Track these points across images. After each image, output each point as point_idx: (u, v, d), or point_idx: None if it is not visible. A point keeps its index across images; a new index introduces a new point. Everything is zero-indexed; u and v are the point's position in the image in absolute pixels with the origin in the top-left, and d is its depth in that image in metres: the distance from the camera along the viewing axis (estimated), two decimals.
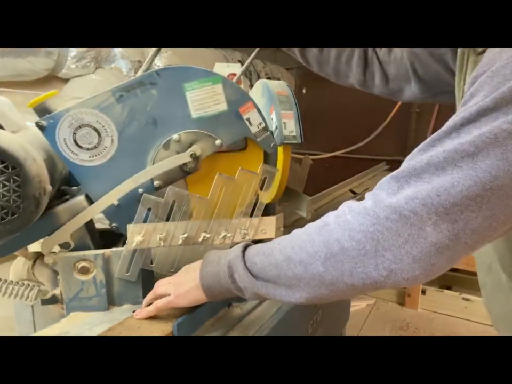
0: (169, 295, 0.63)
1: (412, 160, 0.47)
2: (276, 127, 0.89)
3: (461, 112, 0.46)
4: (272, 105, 0.91)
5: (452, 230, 0.43)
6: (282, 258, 0.53)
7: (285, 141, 0.89)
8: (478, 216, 0.42)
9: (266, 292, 0.55)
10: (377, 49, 0.86)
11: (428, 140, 0.47)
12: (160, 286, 0.66)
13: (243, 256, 0.57)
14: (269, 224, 0.76)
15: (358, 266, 0.47)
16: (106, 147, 0.69)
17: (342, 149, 2.63)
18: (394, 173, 0.48)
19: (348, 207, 0.49)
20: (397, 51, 0.83)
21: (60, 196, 0.77)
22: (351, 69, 0.86)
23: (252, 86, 2.82)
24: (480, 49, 0.64)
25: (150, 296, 0.67)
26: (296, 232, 0.55)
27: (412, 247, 0.44)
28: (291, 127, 0.90)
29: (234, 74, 1.76)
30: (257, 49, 1.10)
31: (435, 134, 0.47)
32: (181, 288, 0.63)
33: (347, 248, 0.47)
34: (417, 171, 0.45)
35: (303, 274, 0.51)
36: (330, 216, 0.51)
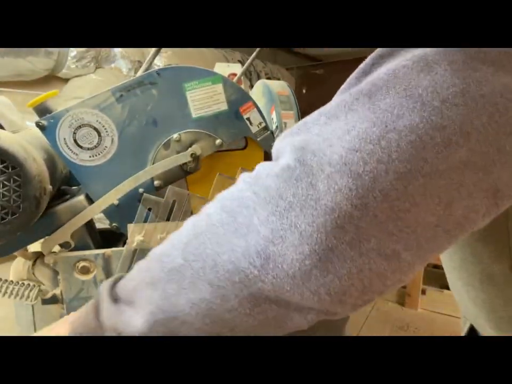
0: None
1: (305, 118, 0.36)
2: (277, 127, 0.90)
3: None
4: (272, 105, 0.91)
5: (354, 188, 0.28)
6: (144, 262, 0.39)
7: None
8: (389, 171, 0.28)
9: (119, 319, 0.41)
10: None
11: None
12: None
13: (110, 288, 0.43)
14: None
15: (223, 251, 0.31)
16: (106, 147, 0.69)
17: None
18: (282, 133, 0.38)
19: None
20: None
21: (60, 195, 0.77)
22: None
23: (252, 86, 2.83)
24: None
25: None
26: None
27: (299, 215, 0.29)
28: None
29: (235, 74, 1.77)
30: (257, 49, 1.10)
31: None
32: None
33: (214, 224, 0.33)
34: (307, 125, 0.35)
35: (159, 275, 0.35)
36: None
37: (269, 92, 0.94)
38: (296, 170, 0.30)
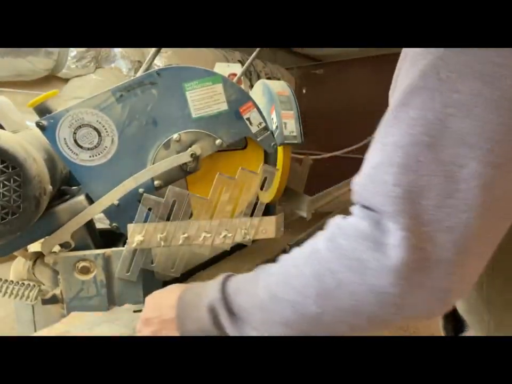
0: None
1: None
2: (277, 127, 0.89)
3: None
4: (272, 105, 0.91)
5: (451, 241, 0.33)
6: (268, 298, 0.43)
7: (286, 141, 0.89)
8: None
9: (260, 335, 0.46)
10: None
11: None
12: (139, 332, 0.58)
13: (224, 296, 0.47)
14: (269, 224, 0.76)
15: (359, 304, 0.37)
16: (106, 147, 0.69)
17: (342, 149, 2.63)
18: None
19: (338, 227, 0.39)
20: None
21: (60, 195, 0.77)
22: None
23: (252, 86, 2.83)
24: None
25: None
26: (283, 260, 0.44)
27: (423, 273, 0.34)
28: (291, 127, 0.90)
29: (235, 75, 1.76)
30: (257, 49, 1.10)
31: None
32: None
33: (342, 280, 0.37)
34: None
35: (292, 317, 0.42)
36: (320, 240, 0.40)
37: (269, 92, 0.94)
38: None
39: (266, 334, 0.46)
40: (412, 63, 0.42)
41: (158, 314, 0.56)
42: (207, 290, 0.50)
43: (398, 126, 0.36)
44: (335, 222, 0.40)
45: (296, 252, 0.43)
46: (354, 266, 0.36)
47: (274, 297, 0.42)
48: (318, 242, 0.41)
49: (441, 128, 0.34)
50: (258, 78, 3.00)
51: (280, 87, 0.96)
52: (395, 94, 0.41)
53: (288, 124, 0.90)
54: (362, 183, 0.38)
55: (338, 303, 0.38)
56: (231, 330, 0.48)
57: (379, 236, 0.35)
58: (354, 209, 0.39)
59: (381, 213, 0.35)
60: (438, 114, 0.34)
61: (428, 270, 0.34)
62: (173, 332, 0.54)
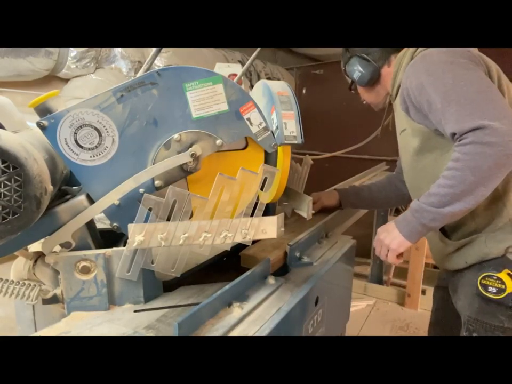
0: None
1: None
2: (277, 127, 0.89)
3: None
4: (273, 105, 0.91)
5: None
6: (445, 184, 0.82)
7: (286, 141, 0.89)
8: None
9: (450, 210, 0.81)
10: (399, 177, 1.26)
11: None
12: (379, 234, 0.98)
13: (420, 201, 0.87)
14: (270, 223, 0.76)
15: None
16: (107, 147, 0.69)
17: (342, 149, 2.63)
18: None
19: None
20: None
21: (61, 195, 0.77)
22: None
23: (252, 86, 2.82)
24: (393, 96, 1.06)
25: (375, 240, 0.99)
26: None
27: None
28: (292, 127, 0.90)
29: (235, 75, 1.76)
30: (258, 49, 1.10)
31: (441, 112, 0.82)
32: (395, 243, 0.93)
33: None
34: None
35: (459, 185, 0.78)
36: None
37: (269, 92, 0.94)
38: None
39: (453, 205, 0.81)
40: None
41: (385, 232, 0.96)
42: (410, 207, 0.90)
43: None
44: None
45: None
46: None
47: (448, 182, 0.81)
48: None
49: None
50: (258, 78, 2.99)
51: (280, 87, 0.96)
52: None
53: (289, 124, 0.90)
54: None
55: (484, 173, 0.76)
56: (433, 217, 0.85)
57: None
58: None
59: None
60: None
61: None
62: (395, 234, 0.93)
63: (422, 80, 0.86)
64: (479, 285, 0.91)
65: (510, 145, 0.73)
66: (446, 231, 1.04)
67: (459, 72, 0.82)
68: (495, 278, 0.89)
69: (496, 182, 0.78)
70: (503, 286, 0.88)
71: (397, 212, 3.52)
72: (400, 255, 0.97)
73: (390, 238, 0.94)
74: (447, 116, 0.81)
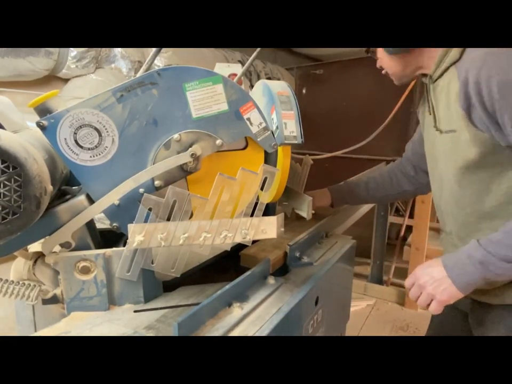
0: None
1: None
2: (277, 127, 0.89)
3: None
4: (273, 105, 0.91)
5: None
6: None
7: (286, 141, 0.89)
8: None
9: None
10: (404, 170, 1.19)
11: None
12: (420, 278, 0.81)
13: (488, 251, 0.72)
14: (270, 224, 0.76)
15: None
16: (107, 147, 0.69)
17: (342, 149, 2.63)
18: None
19: None
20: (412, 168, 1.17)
21: (61, 195, 0.77)
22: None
23: (252, 86, 2.82)
24: (434, 78, 0.84)
25: (410, 281, 0.83)
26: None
27: None
28: (292, 127, 0.90)
29: (235, 75, 1.76)
30: (258, 49, 1.10)
31: None
32: (445, 294, 0.77)
33: None
34: None
35: None
36: None
37: (269, 92, 0.94)
38: None
39: None
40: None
41: (429, 277, 0.79)
42: (468, 252, 0.75)
43: None
44: None
45: None
46: None
47: None
48: None
49: None
50: (258, 78, 2.99)
51: (280, 87, 0.96)
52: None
53: (289, 124, 0.90)
54: None
55: None
56: (501, 272, 0.71)
57: None
58: None
59: None
60: None
61: None
62: (447, 284, 0.76)
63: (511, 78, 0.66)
64: None
65: None
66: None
67: None
68: None
69: None
70: None
71: (397, 212, 3.52)
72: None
73: (438, 287, 0.77)
74: None
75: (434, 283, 0.77)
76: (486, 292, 0.85)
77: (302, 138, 0.91)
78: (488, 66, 0.68)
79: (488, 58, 0.69)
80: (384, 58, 0.90)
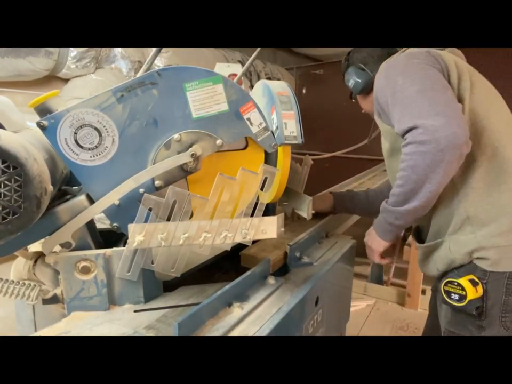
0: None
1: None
2: (277, 127, 0.89)
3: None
4: (273, 105, 0.91)
5: None
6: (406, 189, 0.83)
7: (286, 141, 0.89)
8: None
9: (407, 208, 0.84)
10: None
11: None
12: (367, 241, 1.03)
13: (385, 201, 0.92)
14: (270, 224, 0.76)
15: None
16: (107, 147, 0.69)
17: (342, 149, 2.63)
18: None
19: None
20: None
21: (61, 195, 0.77)
22: None
23: (252, 86, 2.82)
24: None
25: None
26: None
27: None
28: (292, 127, 0.90)
29: (235, 75, 1.76)
30: (258, 49, 1.10)
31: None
32: (374, 243, 1.00)
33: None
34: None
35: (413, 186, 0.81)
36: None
37: (269, 92, 0.94)
38: None
39: (409, 204, 0.84)
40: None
41: (368, 237, 1.03)
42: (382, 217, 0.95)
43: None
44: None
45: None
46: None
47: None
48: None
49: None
50: (258, 78, 3.00)
51: (280, 87, 0.96)
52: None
53: (289, 124, 0.90)
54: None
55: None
56: (396, 218, 0.89)
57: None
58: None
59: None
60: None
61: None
62: (374, 236, 1.00)
63: (382, 83, 0.90)
64: (442, 291, 0.89)
65: (442, 141, 0.74)
66: (417, 233, 1.05)
67: (408, 73, 0.84)
68: (455, 284, 0.86)
69: (442, 176, 0.78)
70: (464, 293, 0.84)
71: None
72: (387, 256, 1.03)
73: (371, 240, 1.01)
74: (394, 116, 0.84)
75: (369, 238, 1.02)
76: (425, 264, 1.00)
77: (302, 138, 0.91)
78: (376, 80, 0.94)
79: (377, 75, 0.94)
80: (360, 100, 1.16)
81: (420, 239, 1.05)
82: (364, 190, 1.37)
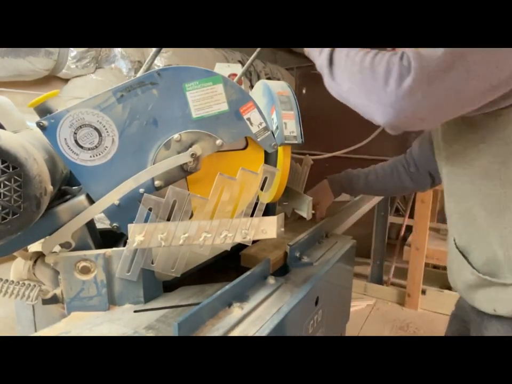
0: None
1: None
2: (277, 127, 0.89)
3: None
4: (273, 105, 0.91)
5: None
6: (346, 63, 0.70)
7: (286, 141, 0.89)
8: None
9: (327, 66, 0.73)
10: (406, 166, 1.19)
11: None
12: None
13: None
14: (270, 224, 0.76)
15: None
16: (107, 147, 0.69)
17: (342, 149, 2.63)
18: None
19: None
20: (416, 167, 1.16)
21: (61, 195, 0.77)
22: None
23: (252, 86, 2.82)
24: None
25: None
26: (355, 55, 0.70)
27: None
28: (292, 127, 0.90)
29: (235, 75, 1.76)
30: (258, 49, 1.10)
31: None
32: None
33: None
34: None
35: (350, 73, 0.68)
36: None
37: (269, 92, 0.94)
38: None
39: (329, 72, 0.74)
40: None
41: None
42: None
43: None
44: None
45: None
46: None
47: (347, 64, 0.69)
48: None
49: None
50: (258, 78, 3.00)
51: (280, 87, 0.96)
52: None
53: (289, 124, 0.89)
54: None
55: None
56: (321, 62, 0.75)
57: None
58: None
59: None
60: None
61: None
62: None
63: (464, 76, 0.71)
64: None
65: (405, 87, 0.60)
66: (468, 252, 0.83)
67: None
68: None
69: (356, 98, 0.68)
70: None
71: (397, 212, 3.52)
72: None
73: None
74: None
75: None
76: (476, 296, 0.81)
77: (302, 138, 0.91)
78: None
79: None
80: None
81: (468, 257, 0.82)
82: (365, 171, 1.27)
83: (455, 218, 0.86)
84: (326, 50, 0.74)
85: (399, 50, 0.65)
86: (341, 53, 0.72)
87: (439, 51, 0.60)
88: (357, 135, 2.45)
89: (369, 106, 0.66)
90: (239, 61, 2.83)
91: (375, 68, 0.64)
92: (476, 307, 0.82)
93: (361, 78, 0.66)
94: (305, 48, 0.82)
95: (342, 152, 2.61)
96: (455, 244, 0.87)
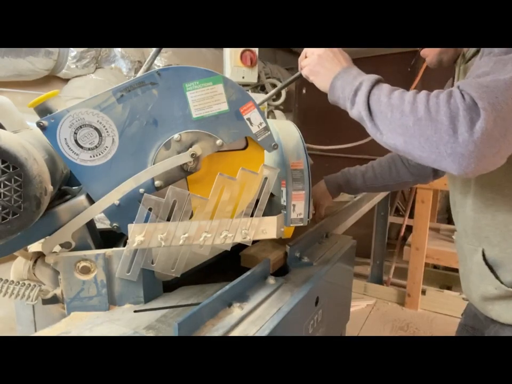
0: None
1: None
2: (284, 207, 0.89)
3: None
4: (284, 180, 0.89)
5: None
6: (389, 111, 0.64)
7: (291, 224, 0.89)
8: None
9: (367, 118, 0.68)
10: (404, 159, 1.17)
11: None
12: (309, 55, 0.81)
13: (373, 86, 0.68)
14: (270, 224, 0.76)
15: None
16: (107, 147, 0.69)
17: (342, 149, 2.63)
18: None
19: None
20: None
21: (61, 195, 0.77)
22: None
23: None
24: (468, 56, 0.81)
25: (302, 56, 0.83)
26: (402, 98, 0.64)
27: None
28: (300, 209, 0.89)
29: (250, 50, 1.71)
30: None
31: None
32: (317, 68, 0.79)
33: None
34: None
35: (400, 125, 0.62)
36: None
37: (283, 161, 0.89)
38: None
39: (372, 123, 0.69)
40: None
41: (332, 56, 0.78)
42: (365, 75, 0.72)
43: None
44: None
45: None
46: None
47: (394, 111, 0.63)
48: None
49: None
50: (259, 78, 2.99)
51: (296, 154, 0.91)
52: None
53: (297, 206, 0.88)
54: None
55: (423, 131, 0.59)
56: (358, 107, 0.70)
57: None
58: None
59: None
60: None
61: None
62: (327, 76, 0.77)
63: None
64: None
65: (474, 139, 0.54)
66: (498, 266, 0.80)
67: None
68: None
69: (418, 151, 0.61)
70: None
71: (397, 212, 3.52)
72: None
73: (316, 65, 0.79)
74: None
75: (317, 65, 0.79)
76: (495, 308, 0.80)
77: (308, 218, 0.90)
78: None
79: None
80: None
81: (493, 269, 0.80)
82: (362, 170, 1.24)
83: (489, 231, 0.81)
84: (361, 99, 0.68)
85: (449, 85, 0.60)
86: (380, 101, 0.66)
87: (501, 78, 0.55)
88: (357, 135, 2.44)
89: (440, 160, 0.59)
90: None
91: (434, 117, 0.57)
92: (490, 317, 0.81)
93: (420, 131, 0.59)
94: (329, 97, 0.79)
95: (340, 148, 2.61)
96: (484, 256, 0.82)
